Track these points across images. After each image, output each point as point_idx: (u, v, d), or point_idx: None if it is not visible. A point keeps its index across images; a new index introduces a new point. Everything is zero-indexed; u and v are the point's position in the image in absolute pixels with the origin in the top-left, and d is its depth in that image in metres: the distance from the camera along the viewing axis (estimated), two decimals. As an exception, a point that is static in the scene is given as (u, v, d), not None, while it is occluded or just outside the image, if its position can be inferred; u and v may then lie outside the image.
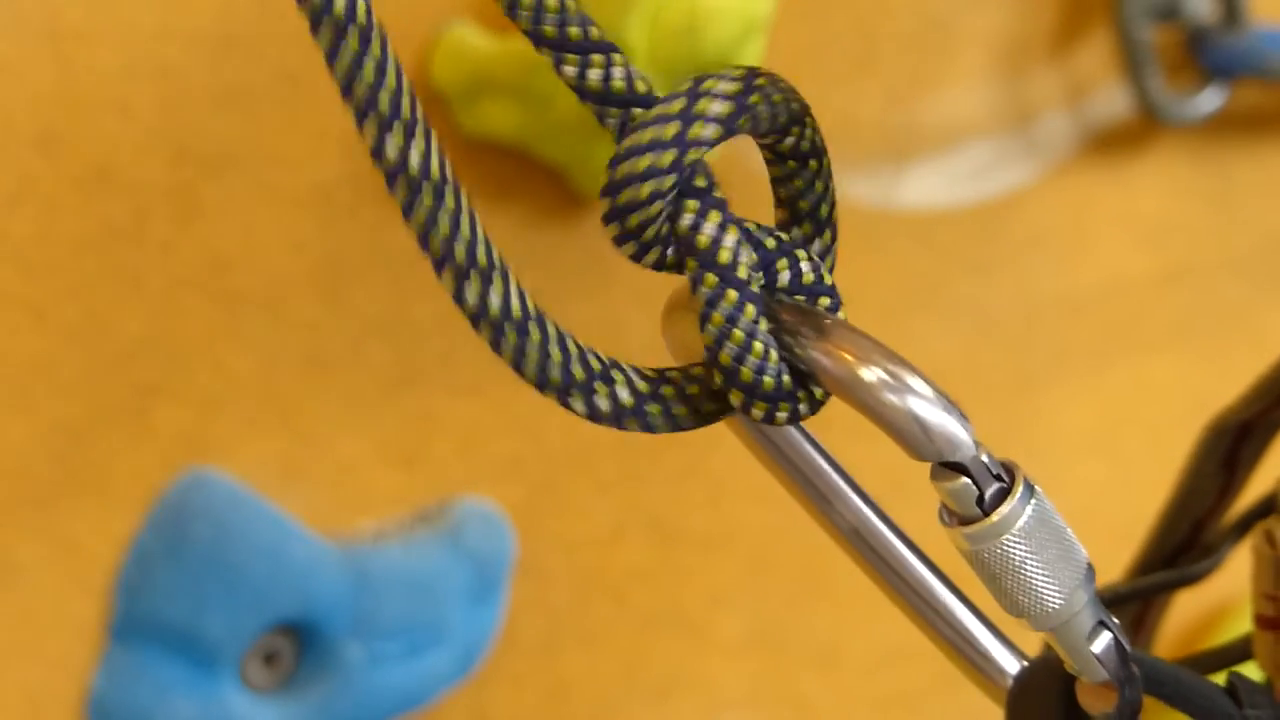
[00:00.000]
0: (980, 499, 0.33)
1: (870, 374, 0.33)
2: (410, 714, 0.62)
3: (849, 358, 0.33)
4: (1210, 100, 0.74)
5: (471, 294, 0.32)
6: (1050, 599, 0.33)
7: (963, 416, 0.33)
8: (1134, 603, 0.44)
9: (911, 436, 0.32)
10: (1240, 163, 0.76)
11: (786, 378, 0.34)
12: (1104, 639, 0.34)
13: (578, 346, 0.34)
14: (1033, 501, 0.33)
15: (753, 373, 0.34)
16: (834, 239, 0.37)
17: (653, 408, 0.35)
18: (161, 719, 0.58)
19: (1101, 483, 0.76)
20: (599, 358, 0.34)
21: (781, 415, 0.34)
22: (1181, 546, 0.44)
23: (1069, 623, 0.34)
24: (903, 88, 0.69)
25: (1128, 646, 0.34)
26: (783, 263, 0.35)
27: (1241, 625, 0.75)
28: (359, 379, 0.60)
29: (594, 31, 0.34)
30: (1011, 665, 0.37)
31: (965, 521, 0.33)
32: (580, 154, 0.60)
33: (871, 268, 0.69)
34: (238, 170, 0.57)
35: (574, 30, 0.34)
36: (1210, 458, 0.43)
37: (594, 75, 0.34)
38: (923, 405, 0.32)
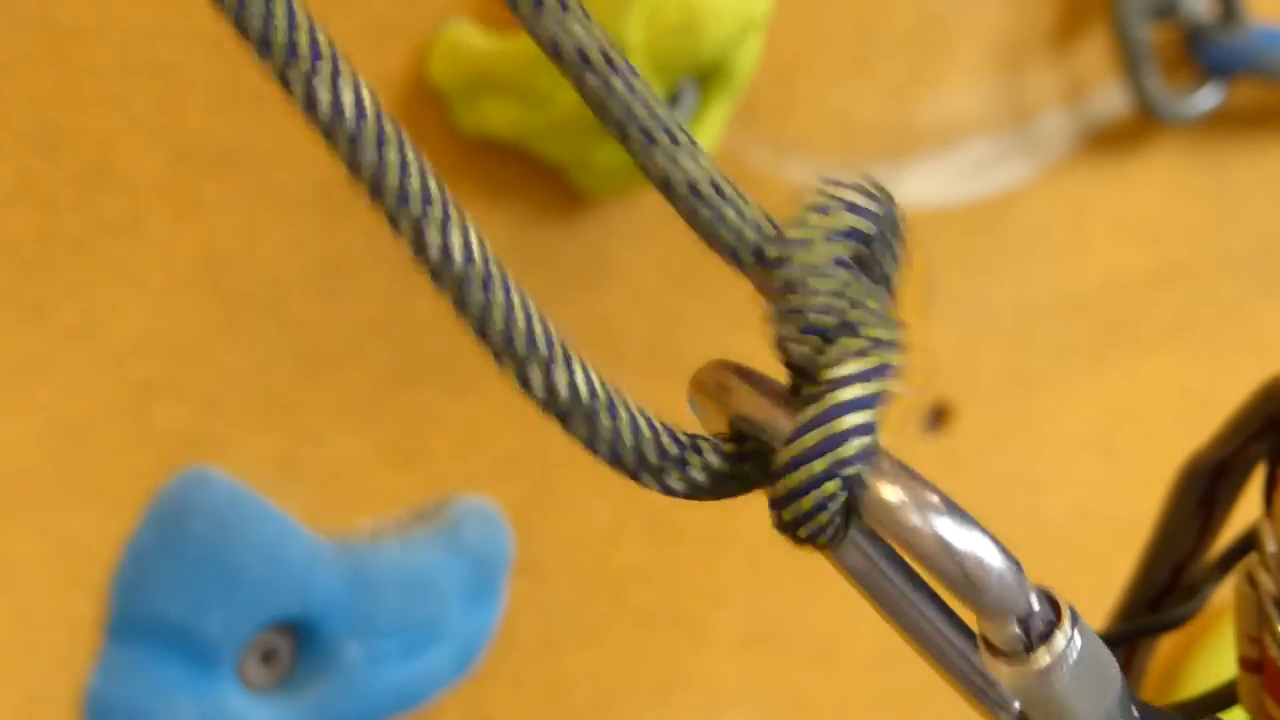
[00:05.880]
0: (1028, 644, 0.32)
1: (922, 518, 0.32)
2: (408, 713, 0.62)
3: (904, 496, 0.32)
4: (1208, 98, 0.74)
5: (537, 380, 0.33)
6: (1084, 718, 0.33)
7: (1018, 565, 0.32)
8: (1120, 648, 0.44)
9: (969, 590, 0.32)
10: (1238, 161, 0.76)
11: (840, 520, 0.33)
12: None
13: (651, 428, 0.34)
14: (1075, 634, 0.32)
15: (814, 505, 0.33)
16: None
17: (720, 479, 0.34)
18: (159, 717, 0.58)
19: (1099, 481, 0.76)
20: (676, 438, 0.34)
21: (803, 534, 0.34)
22: (1164, 589, 0.44)
23: None
24: (900, 86, 0.69)
25: None
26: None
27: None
28: (357, 378, 0.60)
29: None
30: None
31: (1008, 659, 0.33)
32: (580, 152, 0.60)
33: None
34: (236, 168, 0.57)
35: None
36: (1187, 499, 0.42)
37: None
38: (978, 558, 0.31)
